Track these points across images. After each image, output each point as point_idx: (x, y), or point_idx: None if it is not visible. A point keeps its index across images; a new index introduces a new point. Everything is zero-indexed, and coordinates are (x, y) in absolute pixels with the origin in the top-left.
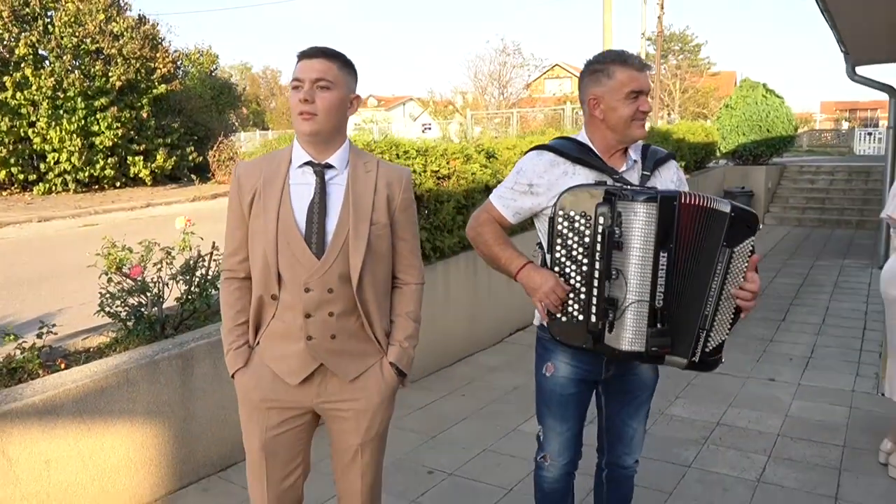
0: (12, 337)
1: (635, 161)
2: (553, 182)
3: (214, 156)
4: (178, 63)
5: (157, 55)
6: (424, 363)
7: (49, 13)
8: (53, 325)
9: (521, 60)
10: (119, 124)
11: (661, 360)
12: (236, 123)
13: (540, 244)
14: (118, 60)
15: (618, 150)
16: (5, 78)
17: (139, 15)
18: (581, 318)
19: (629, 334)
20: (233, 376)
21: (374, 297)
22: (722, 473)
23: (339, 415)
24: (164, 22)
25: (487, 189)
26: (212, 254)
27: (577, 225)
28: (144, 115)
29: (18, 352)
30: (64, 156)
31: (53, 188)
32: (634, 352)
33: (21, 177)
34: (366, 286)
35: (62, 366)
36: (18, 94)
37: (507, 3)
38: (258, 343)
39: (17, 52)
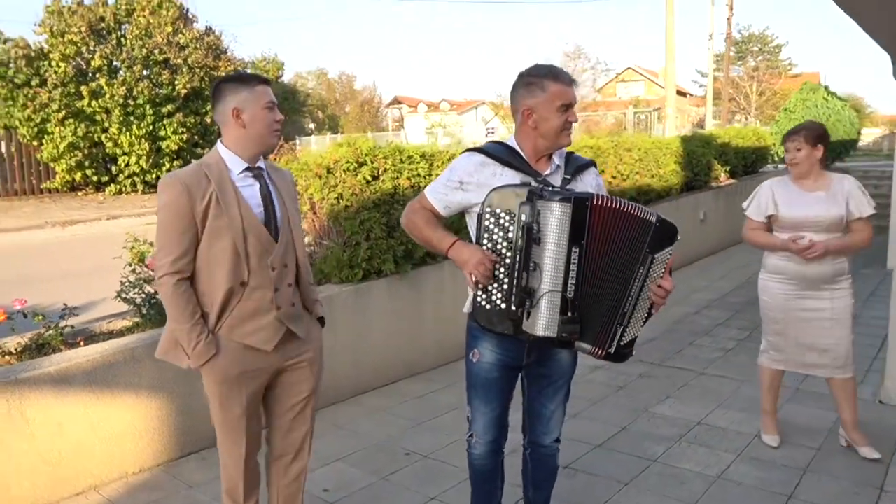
0: (41, 318)
1: (559, 166)
2: (482, 181)
3: (275, 159)
4: (242, 71)
5: (220, 64)
6: (430, 358)
7: (122, 27)
8: (76, 309)
9: (587, 64)
10: (184, 129)
11: (571, 345)
12: (311, 128)
13: (470, 239)
14: (184, 70)
15: (544, 155)
16: (82, 87)
17: (206, 27)
18: (503, 306)
19: (543, 321)
20: (202, 365)
21: (304, 268)
22: (684, 469)
23: (298, 367)
24: (228, 32)
25: None
26: None
27: (502, 221)
28: (208, 120)
29: (46, 331)
30: (133, 159)
31: (123, 189)
32: (547, 337)
33: (95, 178)
34: (300, 259)
35: (81, 343)
36: (94, 103)
37: (574, 7)
38: (219, 329)
39: (93, 63)
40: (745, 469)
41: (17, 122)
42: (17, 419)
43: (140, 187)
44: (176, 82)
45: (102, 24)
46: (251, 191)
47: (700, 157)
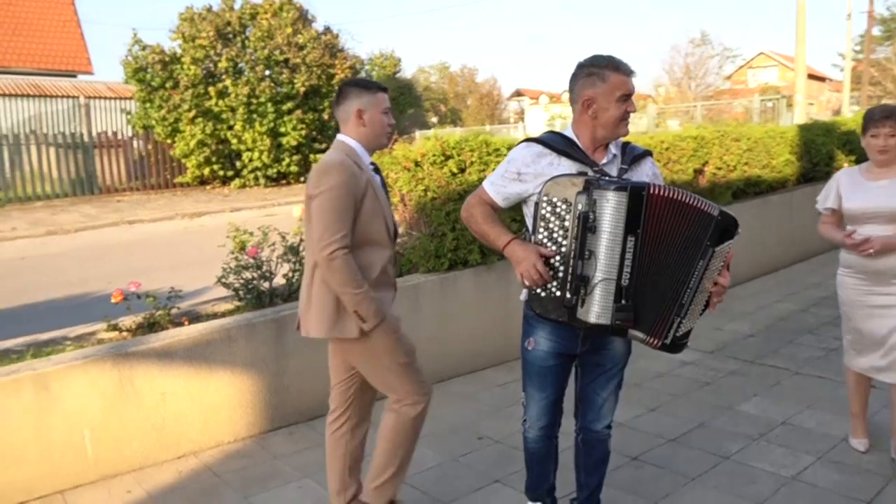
0: (152, 299)
1: (615, 155)
2: (540, 171)
3: (389, 151)
4: (357, 68)
5: (336, 62)
6: (517, 348)
7: (247, 30)
8: (181, 291)
9: (713, 51)
10: (303, 125)
11: (625, 332)
12: (434, 121)
13: (527, 227)
14: (302, 68)
15: (601, 145)
16: (210, 88)
17: (324, 27)
18: (558, 293)
19: (597, 308)
20: (378, 324)
21: None
22: (757, 467)
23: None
24: (346, 31)
25: None
26: None
27: (558, 210)
28: (326, 116)
29: (156, 311)
30: (256, 154)
31: (247, 183)
32: (601, 324)
33: (221, 173)
34: None
35: (185, 323)
36: (220, 102)
37: None
38: None
39: (219, 65)
40: (824, 472)
41: (153, 122)
42: (128, 388)
43: (262, 181)
44: (295, 81)
45: (228, 28)
46: (377, 180)
47: (820, 146)
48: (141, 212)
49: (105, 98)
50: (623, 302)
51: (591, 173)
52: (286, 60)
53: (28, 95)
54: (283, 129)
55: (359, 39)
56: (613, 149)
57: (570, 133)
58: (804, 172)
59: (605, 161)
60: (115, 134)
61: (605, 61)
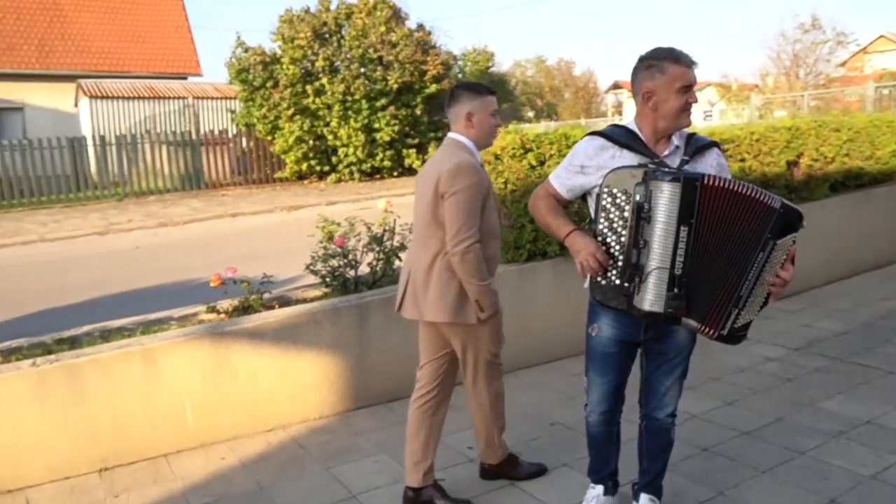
0: (246, 284)
1: (677, 147)
2: (602, 164)
3: None
4: (449, 64)
5: (428, 59)
6: None
7: (342, 29)
8: (272, 277)
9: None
10: (396, 121)
11: (678, 321)
12: (531, 115)
13: (591, 219)
14: (395, 66)
15: (663, 136)
16: (308, 87)
17: (417, 24)
18: (617, 282)
19: (651, 296)
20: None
21: None
22: (834, 465)
23: None
24: (439, 27)
25: None
26: (393, 230)
27: (618, 201)
28: (418, 112)
29: (251, 295)
30: (351, 150)
31: (342, 177)
32: (654, 312)
33: (318, 168)
34: None
35: (276, 306)
36: (317, 100)
37: None
38: None
39: (316, 64)
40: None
41: (255, 121)
42: (224, 364)
43: (357, 176)
44: (388, 78)
45: (325, 28)
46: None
47: None
48: (243, 205)
49: (212, 98)
50: (676, 291)
51: (650, 165)
52: (380, 58)
53: (143, 98)
54: (376, 125)
55: (451, 36)
56: (676, 140)
57: (633, 126)
58: None
59: (666, 153)
60: (220, 132)
61: (665, 53)
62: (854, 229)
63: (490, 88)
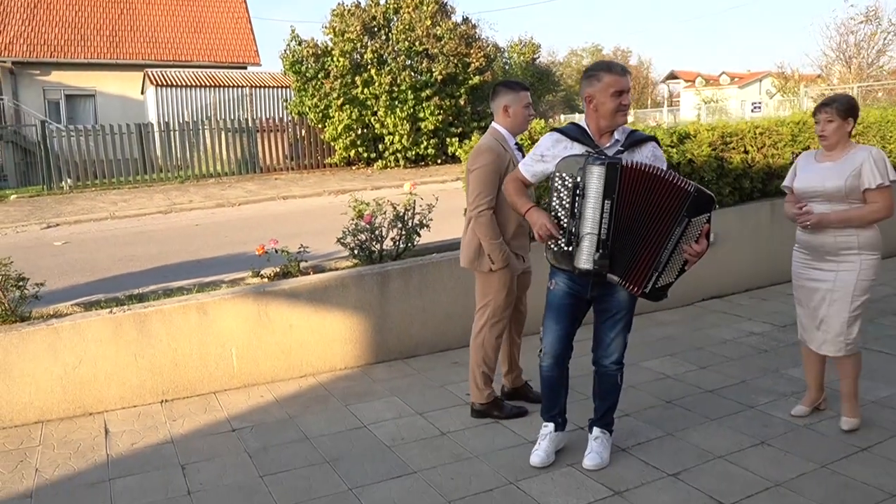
0: (286, 253)
1: (618, 140)
2: (557, 154)
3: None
4: (491, 56)
5: (471, 51)
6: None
7: (390, 23)
8: (308, 249)
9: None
10: (440, 111)
11: (604, 276)
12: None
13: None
14: (440, 58)
15: (606, 132)
16: (357, 78)
17: (463, 17)
18: (565, 248)
19: (584, 256)
20: (503, 266)
21: None
22: (776, 416)
23: (527, 272)
24: (484, 20)
25: (671, 166)
26: (413, 209)
27: (566, 182)
28: (462, 102)
29: (290, 263)
30: (397, 138)
31: (388, 164)
32: (586, 269)
33: (365, 155)
34: None
35: (311, 272)
36: (365, 90)
37: None
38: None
39: (365, 57)
40: (836, 424)
41: (307, 109)
42: (264, 318)
43: (402, 162)
44: (433, 70)
45: (374, 22)
46: (519, 156)
47: None
48: (294, 188)
49: (268, 87)
50: (601, 251)
51: (590, 154)
52: (425, 51)
53: (205, 86)
54: (421, 115)
55: (495, 28)
56: (617, 135)
57: (583, 124)
58: None
59: (608, 145)
60: (275, 119)
61: (602, 65)
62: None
63: (524, 85)
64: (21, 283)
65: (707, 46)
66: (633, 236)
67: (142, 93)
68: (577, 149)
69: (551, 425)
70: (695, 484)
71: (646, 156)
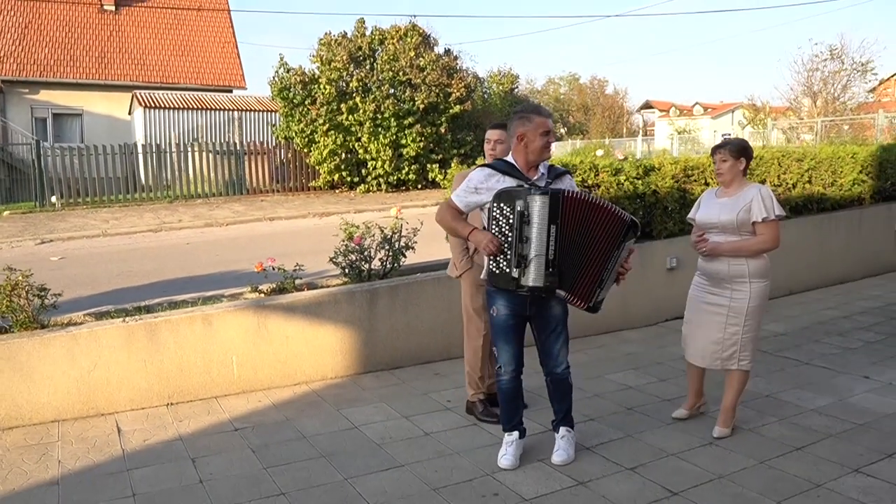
0: (283, 271)
1: (543, 173)
2: (491, 186)
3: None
4: (471, 87)
5: (453, 81)
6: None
7: (375, 53)
8: (303, 267)
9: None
10: (422, 138)
11: (553, 292)
12: (563, 132)
13: (484, 226)
14: (422, 87)
15: (533, 166)
16: (342, 105)
17: (445, 49)
18: (507, 269)
19: (533, 275)
20: (462, 273)
21: None
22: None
23: None
24: (466, 52)
25: (637, 196)
26: (399, 232)
27: (505, 211)
28: (443, 130)
29: (285, 280)
30: (379, 163)
31: (371, 188)
32: (537, 286)
33: (349, 179)
34: None
35: (305, 289)
36: (350, 117)
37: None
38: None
39: (350, 85)
40: (776, 428)
41: (293, 134)
42: (263, 330)
43: (384, 187)
44: (416, 98)
45: (360, 52)
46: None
47: None
48: (280, 210)
49: (255, 111)
50: (550, 270)
51: (525, 186)
52: (409, 80)
53: (192, 108)
54: (403, 142)
55: (476, 60)
56: (542, 168)
57: (510, 159)
58: (879, 191)
59: (536, 177)
60: (261, 143)
61: (532, 108)
62: (814, 248)
63: (499, 124)
64: (42, 293)
65: (681, 78)
66: (576, 257)
67: (129, 113)
68: (509, 181)
69: (515, 433)
70: (650, 476)
71: (567, 185)
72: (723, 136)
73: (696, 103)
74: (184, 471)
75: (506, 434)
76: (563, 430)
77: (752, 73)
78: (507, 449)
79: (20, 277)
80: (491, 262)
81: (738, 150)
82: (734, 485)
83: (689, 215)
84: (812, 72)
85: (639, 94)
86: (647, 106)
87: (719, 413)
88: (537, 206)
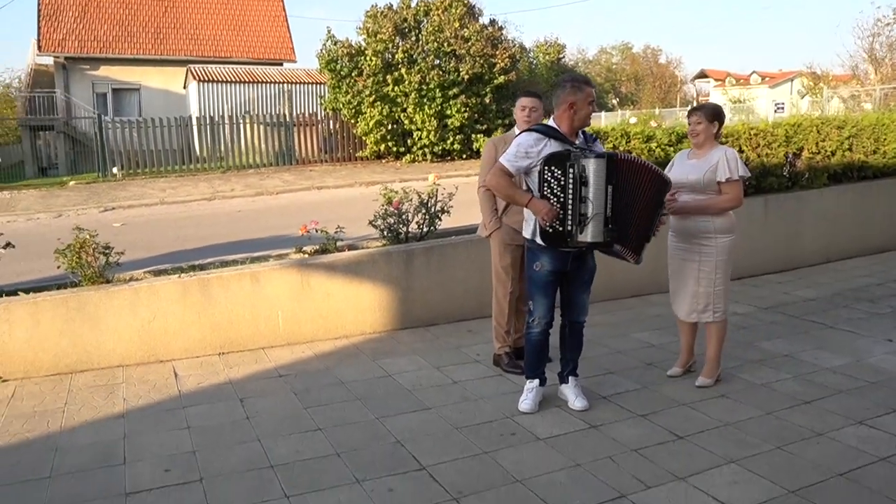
0: (325, 233)
1: (582, 139)
2: (539, 150)
3: None
4: (515, 57)
5: (497, 52)
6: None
7: (420, 25)
8: (344, 229)
9: None
10: (466, 109)
11: (611, 246)
12: (614, 102)
13: (529, 189)
14: (467, 58)
15: (576, 131)
16: (388, 76)
17: (490, 19)
18: (560, 229)
19: (592, 232)
20: (491, 233)
21: None
22: (740, 377)
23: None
24: (511, 22)
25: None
26: (436, 197)
27: (556, 174)
28: (487, 100)
29: (328, 241)
30: (424, 134)
31: (416, 158)
32: (598, 241)
33: (395, 149)
34: None
35: (346, 249)
36: (396, 88)
37: None
38: (501, 216)
39: (396, 56)
40: (792, 385)
41: (340, 105)
42: (306, 287)
43: (429, 157)
44: (460, 69)
45: (405, 24)
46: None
47: None
48: (328, 179)
49: (304, 83)
50: (609, 226)
51: (573, 149)
52: (453, 51)
53: (244, 82)
54: (448, 112)
55: (521, 30)
56: (580, 134)
57: (553, 124)
58: None
59: (577, 141)
60: (310, 114)
61: (583, 79)
62: (853, 216)
63: (531, 91)
64: (107, 252)
65: (739, 45)
66: (629, 214)
67: (184, 87)
68: (555, 145)
69: (537, 381)
70: (659, 423)
71: (599, 148)
72: (776, 105)
73: (754, 72)
74: (233, 409)
75: (528, 381)
76: (572, 379)
77: (813, 41)
78: (528, 395)
79: (87, 237)
80: (547, 225)
81: (712, 114)
82: (739, 431)
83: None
84: (875, 37)
85: (694, 64)
86: (702, 75)
87: (705, 364)
88: (593, 168)
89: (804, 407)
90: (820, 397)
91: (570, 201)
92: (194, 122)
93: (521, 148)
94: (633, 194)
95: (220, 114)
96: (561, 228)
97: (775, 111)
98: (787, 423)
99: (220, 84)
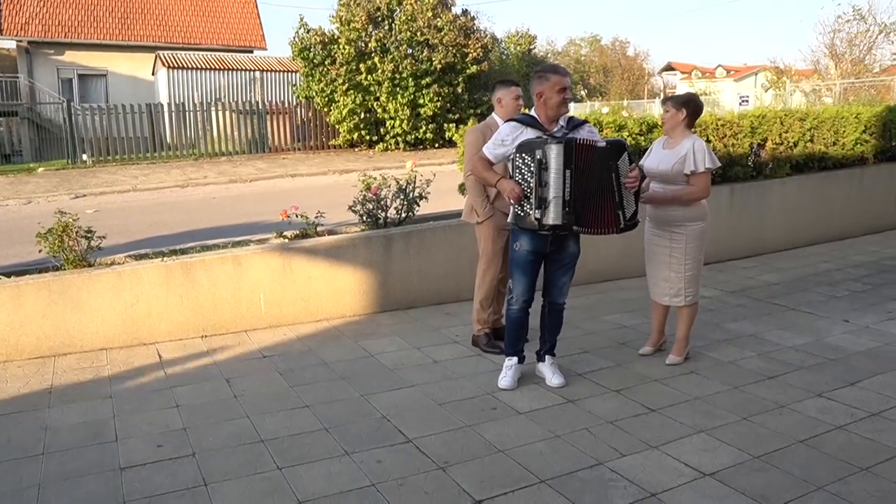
0: (305, 218)
1: (562, 126)
2: (515, 138)
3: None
4: (488, 47)
5: (469, 42)
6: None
7: (393, 14)
8: (324, 214)
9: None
10: (439, 98)
11: (571, 229)
12: (583, 94)
13: (508, 174)
14: (439, 48)
15: (553, 120)
16: (361, 65)
17: (462, 10)
18: (529, 211)
19: (553, 215)
20: (485, 220)
21: None
22: (708, 355)
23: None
24: (483, 13)
25: (640, 152)
26: (414, 183)
27: (525, 160)
28: (460, 90)
29: (308, 226)
30: (397, 122)
31: (389, 147)
32: (557, 224)
33: (368, 138)
34: None
35: (325, 234)
36: (369, 77)
37: None
38: (492, 202)
39: (369, 45)
40: (754, 360)
41: (313, 93)
42: (288, 271)
43: (402, 145)
44: (433, 59)
45: (378, 13)
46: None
47: None
48: (301, 167)
49: (275, 71)
50: (567, 210)
51: (543, 137)
52: (426, 41)
53: (214, 69)
54: (421, 101)
55: (493, 21)
56: (561, 122)
57: (533, 113)
58: (882, 150)
59: (555, 129)
60: (282, 102)
61: (550, 68)
62: (813, 204)
63: (514, 81)
64: (89, 235)
65: (705, 39)
66: (589, 194)
67: (153, 73)
68: (531, 133)
69: (515, 358)
70: (633, 397)
71: (584, 133)
72: (741, 98)
73: (719, 66)
74: (220, 388)
75: (507, 359)
76: (549, 358)
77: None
78: (507, 372)
79: (70, 220)
80: (516, 207)
81: (681, 102)
82: (707, 404)
83: (640, 162)
84: (836, 33)
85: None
86: (669, 68)
87: (675, 343)
88: (553, 154)
89: (768, 382)
90: (782, 373)
91: (535, 186)
92: (165, 108)
93: (499, 137)
94: (589, 174)
95: (192, 101)
96: (530, 211)
97: (740, 104)
98: (752, 396)
99: (189, 71)
